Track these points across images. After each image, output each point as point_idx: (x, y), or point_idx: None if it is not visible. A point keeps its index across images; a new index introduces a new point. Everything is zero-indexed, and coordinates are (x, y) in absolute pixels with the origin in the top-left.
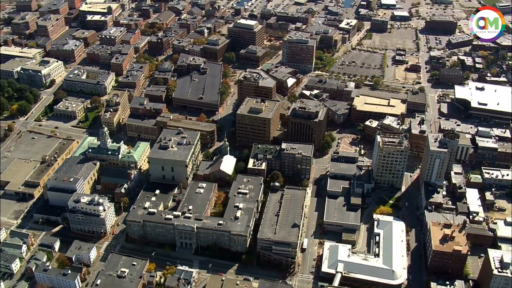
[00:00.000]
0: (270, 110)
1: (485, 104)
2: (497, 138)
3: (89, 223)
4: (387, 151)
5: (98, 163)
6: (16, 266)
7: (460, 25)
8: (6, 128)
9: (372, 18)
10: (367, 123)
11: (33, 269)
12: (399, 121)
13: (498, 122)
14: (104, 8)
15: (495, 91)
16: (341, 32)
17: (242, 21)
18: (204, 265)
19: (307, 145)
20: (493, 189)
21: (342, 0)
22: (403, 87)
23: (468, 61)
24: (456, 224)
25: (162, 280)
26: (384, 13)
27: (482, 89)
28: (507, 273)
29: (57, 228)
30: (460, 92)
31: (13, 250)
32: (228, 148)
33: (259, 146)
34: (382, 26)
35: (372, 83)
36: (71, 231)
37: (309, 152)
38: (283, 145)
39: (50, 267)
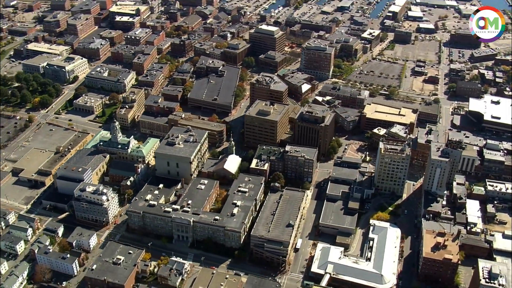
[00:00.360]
0: (278, 113)
1: (498, 118)
2: (505, 151)
3: (93, 211)
4: (388, 158)
5: (108, 156)
6: (20, 247)
7: None
8: (27, 119)
9: (396, 29)
10: (375, 130)
11: (35, 251)
12: (406, 130)
13: (510, 136)
14: (133, 10)
15: (511, 105)
16: (362, 41)
17: (264, 26)
18: (199, 258)
19: (311, 149)
20: (495, 202)
21: (370, 11)
22: (419, 98)
23: (488, 75)
24: (450, 233)
25: (155, 269)
26: (410, 25)
27: (497, 102)
28: (494, 284)
29: (63, 215)
30: (474, 104)
31: (19, 233)
32: (234, 148)
33: (264, 147)
34: (406, 38)
35: (387, 93)
36: (76, 218)
37: (312, 156)
38: (287, 148)
39: (51, 250)
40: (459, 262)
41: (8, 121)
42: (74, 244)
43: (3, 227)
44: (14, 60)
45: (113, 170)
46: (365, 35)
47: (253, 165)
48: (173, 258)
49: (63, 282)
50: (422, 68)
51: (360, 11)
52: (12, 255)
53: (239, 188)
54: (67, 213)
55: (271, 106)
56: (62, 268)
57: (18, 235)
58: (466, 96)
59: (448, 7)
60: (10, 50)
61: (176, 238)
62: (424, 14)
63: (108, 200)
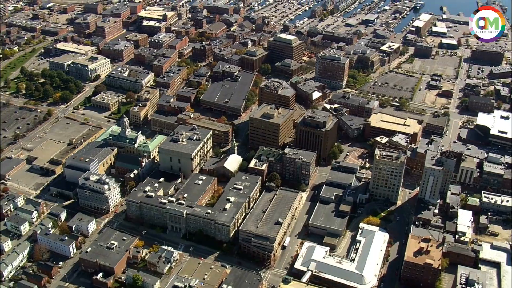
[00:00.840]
0: (282, 117)
1: (505, 133)
2: (506, 165)
3: (95, 199)
4: (383, 164)
5: (116, 149)
6: (25, 228)
7: (509, 57)
8: (47, 112)
9: (417, 43)
10: (377, 138)
11: (37, 232)
12: (408, 139)
13: None
14: (160, 15)
15: None
16: (380, 54)
17: (282, 35)
18: (189, 249)
19: (310, 152)
20: (489, 214)
21: (394, 25)
22: (430, 111)
23: (504, 91)
24: (436, 240)
25: (146, 256)
26: (433, 40)
27: (506, 118)
28: None
29: (68, 202)
30: (483, 119)
31: (25, 215)
32: (236, 148)
33: (264, 148)
34: (426, 52)
35: (398, 104)
36: (79, 205)
37: (310, 159)
38: (286, 150)
39: (51, 232)
40: (440, 268)
41: (29, 114)
42: (73, 228)
43: (12, 209)
44: (43, 58)
45: (120, 162)
46: (384, 47)
47: (251, 164)
48: (163, 247)
49: (60, 263)
50: (437, 82)
51: (384, 25)
52: (16, 235)
53: (235, 186)
54: (72, 200)
55: (276, 110)
56: (60, 249)
57: (23, 217)
58: (477, 110)
59: None
60: (41, 49)
61: (170, 228)
62: (448, 30)
63: (109, 189)
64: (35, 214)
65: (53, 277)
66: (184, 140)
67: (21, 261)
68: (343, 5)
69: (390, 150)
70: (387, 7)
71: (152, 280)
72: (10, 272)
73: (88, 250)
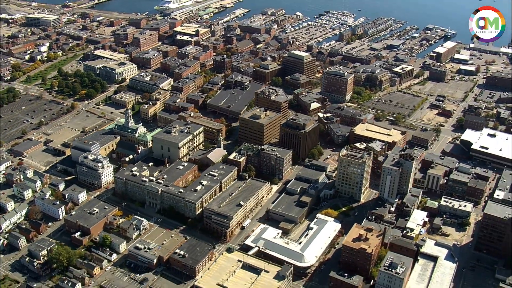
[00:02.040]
0: (269, 119)
1: (486, 148)
2: (475, 175)
3: (90, 175)
4: (346, 163)
5: (118, 137)
6: (28, 194)
7: None
8: (70, 106)
9: (432, 67)
10: (357, 144)
11: (36, 196)
12: (383, 146)
13: (495, 166)
14: (193, 31)
15: (506, 139)
16: (392, 74)
17: (296, 52)
18: (160, 222)
19: (286, 150)
20: (444, 216)
21: (419, 51)
22: (424, 127)
23: (505, 114)
24: (378, 230)
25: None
26: (452, 66)
27: (493, 135)
28: (391, 272)
29: (69, 177)
30: (469, 135)
31: (30, 183)
32: (221, 142)
33: (246, 144)
34: (440, 76)
35: (393, 119)
36: (78, 180)
37: (285, 156)
38: (264, 146)
39: (47, 198)
40: (373, 253)
41: (56, 106)
42: (66, 196)
43: (21, 179)
44: (80, 61)
45: (120, 148)
46: (396, 69)
47: (231, 157)
48: (136, 216)
49: (49, 223)
50: (441, 102)
51: (407, 50)
52: (20, 199)
53: (210, 172)
54: (73, 176)
55: (264, 112)
56: (51, 212)
57: (28, 185)
58: (471, 129)
59: (501, 53)
60: (81, 54)
61: (148, 204)
62: (472, 58)
63: (103, 167)
64: (38, 183)
65: (41, 233)
66: (176, 132)
67: (19, 219)
68: (372, 31)
69: (357, 151)
70: (416, 35)
71: (119, 241)
72: (8, 226)
73: (73, 213)
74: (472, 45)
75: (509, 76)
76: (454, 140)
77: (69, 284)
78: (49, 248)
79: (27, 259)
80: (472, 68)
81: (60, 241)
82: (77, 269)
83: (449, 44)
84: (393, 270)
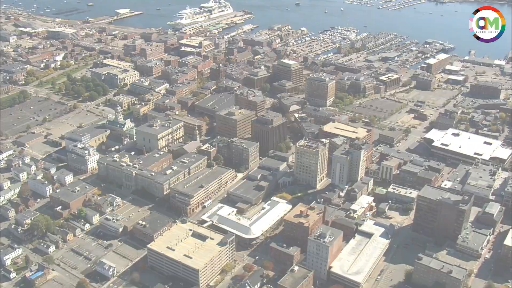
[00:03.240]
0: (242, 116)
1: (447, 145)
2: (427, 167)
3: (77, 161)
4: (302, 152)
5: (108, 131)
6: (23, 176)
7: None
8: (73, 106)
9: (418, 76)
10: (323, 139)
11: (29, 177)
12: (346, 141)
13: (454, 162)
14: (197, 43)
15: (469, 138)
16: (377, 82)
17: (285, 60)
18: (132, 200)
19: (253, 142)
20: (389, 201)
21: (413, 63)
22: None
23: (478, 117)
24: (319, 209)
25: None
26: (442, 76)
27: (457, 135)
28: (319, 240)
29: (62, 164)
30: (433, 134)
31: (26, 167)
32: (198, 135)
33: (219, 137)
34: (426, 84)
35: (367, 121)
36: (68, 166)
37: (251, 147)
38: (234, 139)
39: (37, 178)
40: (311, 227)
41: (61, 106)
42: (55, 178)
43: (20, 164)
44: (90, 69)
45: (109, 141)
46: (382, 77)
47: (203, 147)
48: (111, 194)
49: (38, 200)
50: (419, 107)
51: (400, 62)
52: (17, 181)
53: (182, 159)
54: (65, 163)
55: (239, 110)
56: (39, 190)
57: (24, 169)
58: (441, 130)
59: (494, 65)
60: (91, 63)
61: (124, 186)
62: (463, 69)
63: (89, 155)
64: (33, 167)
65: (29, 207)
66: (157, 126)
67: (12, 195)
68: (370, 44)
69: (314, 142)
70: (414, 48)
71: (92, 213)
72: (2, 202)
73: (58, 191)
74: (467, 58)
75: (491, 85)
76: (421, 139)
77: (45, 246)
78: (32, 218)
79: (13, 226)
80: (460, 78)
81: (44, 213)
82: (54, 235)
83: (442, 56)
84: (322, 239)
